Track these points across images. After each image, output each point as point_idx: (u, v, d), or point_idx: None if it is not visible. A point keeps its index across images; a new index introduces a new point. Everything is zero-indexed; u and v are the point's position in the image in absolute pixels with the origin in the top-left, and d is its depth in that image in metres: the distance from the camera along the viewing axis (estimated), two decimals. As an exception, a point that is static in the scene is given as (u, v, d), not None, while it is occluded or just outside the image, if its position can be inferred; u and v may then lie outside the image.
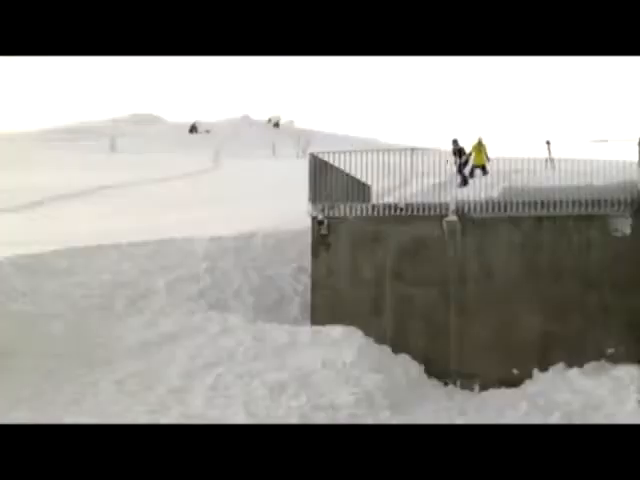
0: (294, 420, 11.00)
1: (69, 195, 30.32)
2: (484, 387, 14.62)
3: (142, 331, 14.84)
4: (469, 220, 15.54)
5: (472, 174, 23.69)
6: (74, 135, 66.73)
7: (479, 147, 24.85)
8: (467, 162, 21.56)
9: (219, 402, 11.76)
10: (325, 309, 15.88)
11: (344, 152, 16.80)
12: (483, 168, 24.19)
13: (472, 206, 15.63)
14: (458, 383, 14.89)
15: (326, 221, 16.19)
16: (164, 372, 13.01)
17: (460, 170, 20.90)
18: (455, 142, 22.25)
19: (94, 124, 75.68)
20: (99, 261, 17.62)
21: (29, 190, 30.23)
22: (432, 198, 16.58)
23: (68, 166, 40.92)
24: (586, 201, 15.09)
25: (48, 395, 11.66)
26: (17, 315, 14.41)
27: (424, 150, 16.76)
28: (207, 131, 75.90)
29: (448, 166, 19.03)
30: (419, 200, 16.46)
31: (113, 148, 57.16)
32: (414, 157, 16.28)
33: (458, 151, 21.42)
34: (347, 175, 16.96)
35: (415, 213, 15.90)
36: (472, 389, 14.72)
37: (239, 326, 14.81)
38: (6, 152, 47.59)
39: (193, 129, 76.88)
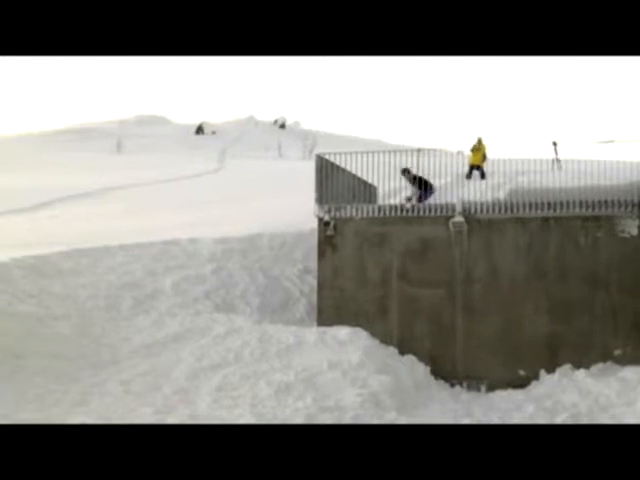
0: (300, 421, 11.02)
1: (75, 196, 30.46)
2: (491, 388, 14.64)
3: (148, 332, 14.90)
4: (475, 221, 15.56)
5: (470, 175, 23.74)
6: (80, 136, 66.91)
7: (478, 146, 24.93)
8: (430, 190, 17.86)
9: (225, 403, 11.78)
10: (331, 310, 15.94)
11: (350, 153, 16.84)
12: (479, 168, 24.26)
13: (478, 207, 15.65)
14: (465, 384, 14.92)
15: (332, 222, 16.23)
16: (170, 373, 13.05)
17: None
18: (406, 171, 17.91)
19: (100, 125, 75.87)
20: (105, 262, 17.68)
21: (35, 191, 30.37)
22: (438, 199, 16.60)
23: (74, 167, 41.08)
24: (593, 202, 15.10)
25: (55, 395, 11.70)
26: (24, 316, 14.48)
27: (430, 151, 16.78)
28: (213, 132, 76.02)
29: (408, 196, 17.34)
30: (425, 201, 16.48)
31: (119, 149, 57.31)
32: (420, 158, 16.31)
33: (417, 180, 17.59)
34: (353, 176, 17.01)
35: (421, 214, 15.93)
36: (479, 390, 14.74)
37: (245, 327, 14.85)
38: (12, 153, 47.74)
39: (199, 130, 77.02)
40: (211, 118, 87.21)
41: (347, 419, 11.27)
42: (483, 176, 23.53)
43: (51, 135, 67.72)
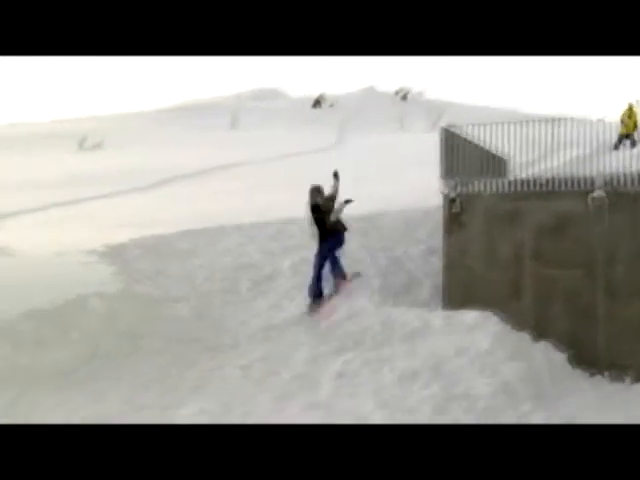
0: (427, 410, 10.96)
1: (190, 175, 31.33)
2: (637, 379, 14.09)
3: (267, 315, 15.15)
4: (618, 195, 14.93)
5: (618, 145, 22.86)
6: (195, 112, 68.62)
7: (629, 113, 23.96)
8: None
9: (346, 390, 11.85)
10: (458, 292, 15.70)
11: (479, 124, 16.53)
12: (629, 137, 23.34)
13: (622, 179, 15.02)
14: (606, 374, 14.39)
15: (459, 199, 15.97)
16: (289, 358, 13.23)
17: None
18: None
19: (216, 100, 77.57)
20: (222, 243, 18.12)
21: (151, 170, 31.45)
22: (576, 171, 16.08)
23: (190, 144, 42.21)
24: None
25: (173, 379, 12.10)
26: (141, 297, 15.04)
27: (568, 119, 16.22)
28: (331, 105, 76.29)
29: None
30: (562, 174, 16.01)
31: (234, 125, 58.46)
32: (556, 127, 15.83)
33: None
34: (482, 149, 16.69)
35: (557, 188, 15.44)
36: (623, 381, 14.20)
37: (366, 310, 14.85)
38: (129, 132, 49.51)
39: (317, 103, 77.47)
40: (329, 90, 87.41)
41: (478, 409, 11.13)
42: (634, 144, 22.67)
43: (167, 112, 69.77)
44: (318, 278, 14.46)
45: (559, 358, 14.28)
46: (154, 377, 12.01)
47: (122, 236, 18.41)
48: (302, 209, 18.60)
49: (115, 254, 17.37)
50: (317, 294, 14.68)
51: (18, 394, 10.89)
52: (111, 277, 15.92)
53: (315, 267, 14.54)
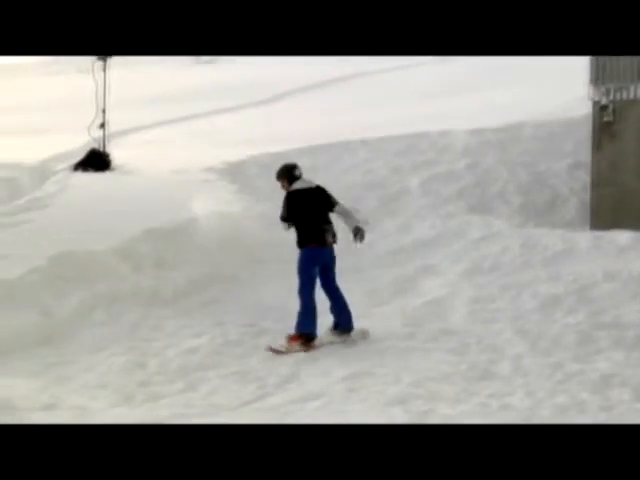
0: (572, 339, 10.70)
1: (311, 87, 31.27)
2: None
3: (394, 237, 15.12)
4: None
5: None
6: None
7: None
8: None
9: (483, 316, 11.72)
10: (608, 211, 15.37)
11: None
12: None
13: None
14: None
15: (611, 106, 15.44)
16: (419, 282, 13.18)
17: None
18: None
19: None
20: (346, 159, 18.11)
21: (265, 84, 31.54)
22: None
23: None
24: None
25: (294, 304, 12.23)
26: (263, 218, 15.23)
27: None
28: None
29: None
30: None
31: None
32: None
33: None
34: (639, 49, 15.95)
35: None
36: None
37: (505, 231, 14.63)
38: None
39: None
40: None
41: (629, 338, 10.78)
42: None
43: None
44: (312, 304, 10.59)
45: None
46: (275, 302, 12.21)
47: (240, 153, 18.68)
48: (431, 123, 18.34)
49: (234, 172, 17.67)
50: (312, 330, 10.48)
51: (141, 317, 11.28)
52: (231, 196, 16.22)
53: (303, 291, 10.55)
